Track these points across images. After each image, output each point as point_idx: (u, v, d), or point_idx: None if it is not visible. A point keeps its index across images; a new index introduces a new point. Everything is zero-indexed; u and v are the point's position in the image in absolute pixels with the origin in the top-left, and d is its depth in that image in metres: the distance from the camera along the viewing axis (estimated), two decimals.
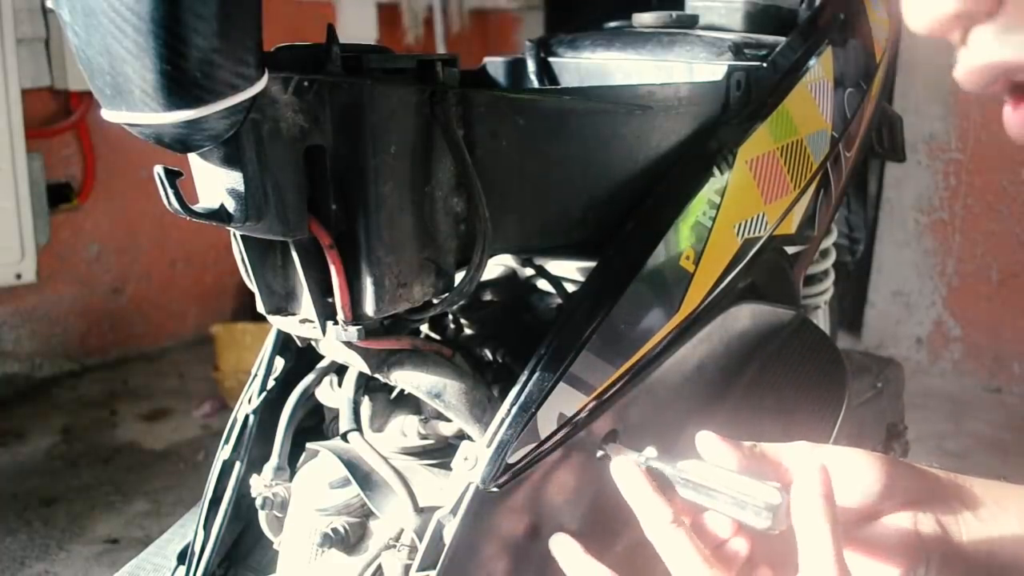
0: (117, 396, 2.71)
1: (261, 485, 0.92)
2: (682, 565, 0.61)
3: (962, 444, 2.41)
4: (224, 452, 0.96)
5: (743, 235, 0.92)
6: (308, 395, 0.94)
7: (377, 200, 0.68)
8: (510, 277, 1.01)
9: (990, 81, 0.42)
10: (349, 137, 0.66)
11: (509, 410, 0.74)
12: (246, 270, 0.73)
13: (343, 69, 0.66)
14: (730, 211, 0.89)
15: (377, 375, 0.80)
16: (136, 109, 0.57)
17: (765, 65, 1.00)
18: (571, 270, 0.97)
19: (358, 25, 3.26)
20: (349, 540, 0.84)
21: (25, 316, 2.75)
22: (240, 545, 0.98)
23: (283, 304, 0.75)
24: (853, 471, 0.66)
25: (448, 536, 0.71)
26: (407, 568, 0.79)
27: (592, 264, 0.86)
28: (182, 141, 0.60)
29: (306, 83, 0.64)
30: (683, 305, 0.86)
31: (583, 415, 0.78)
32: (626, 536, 0.84)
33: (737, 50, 1.02)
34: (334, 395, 0.91)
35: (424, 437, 0.85)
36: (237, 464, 0.95)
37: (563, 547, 0.74)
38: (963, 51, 0.42)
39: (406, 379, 0.79)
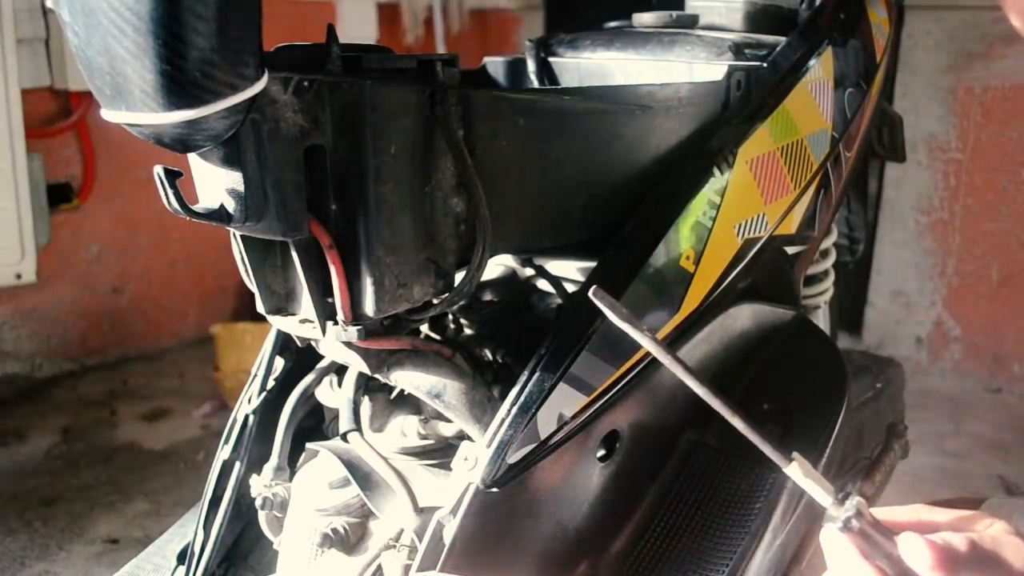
0: (117, 396, 2.71)
1: (261, 485, 0.92)
2: None
3: (962, 444, 2.41)
4: (224, 452, 0.96)
5: (743, 235, 0.92)
6: (308, 395, 0.94)
7: (377, 200, 0.68)
8: (510, 277, 1.01)
9: None
10: (349, 137, 0.66)
11: (509, 410, 0.74)
12: (246, 270, 0.73)
13: (343, 69, 0.66)
14: (730, 211, 0.89)
15: (377, 375, 0.80)
16: (136, 109, 0.57)
17: (765, 65, 1.00)
18: (571, 270, 0.97)
19: (358, 25, 3.25)
20: (349, 540, 0.84)
21: (25, 316, 2.75)
22: (240, 545, 0.98)
23: (283, 304, 0.75)
24: None
25: (448, 536, 0.71)
26: (407, 568, 0.78)
27: (592, 264, 0.86)
28: (182, 141, 0.60)
29: (306, 83, 0.63)
30: (683, 305, 0.86)
31: (583, 415, 0.78)
32: (624, 535, 0.84)
33: (737, 50, 1.02)
34: (334, 395, 0.91)
35: (424, 437, 0.85)
36: (237, 464, 0.95)
37: None
38: None
39: (406, 379, 0.79)
